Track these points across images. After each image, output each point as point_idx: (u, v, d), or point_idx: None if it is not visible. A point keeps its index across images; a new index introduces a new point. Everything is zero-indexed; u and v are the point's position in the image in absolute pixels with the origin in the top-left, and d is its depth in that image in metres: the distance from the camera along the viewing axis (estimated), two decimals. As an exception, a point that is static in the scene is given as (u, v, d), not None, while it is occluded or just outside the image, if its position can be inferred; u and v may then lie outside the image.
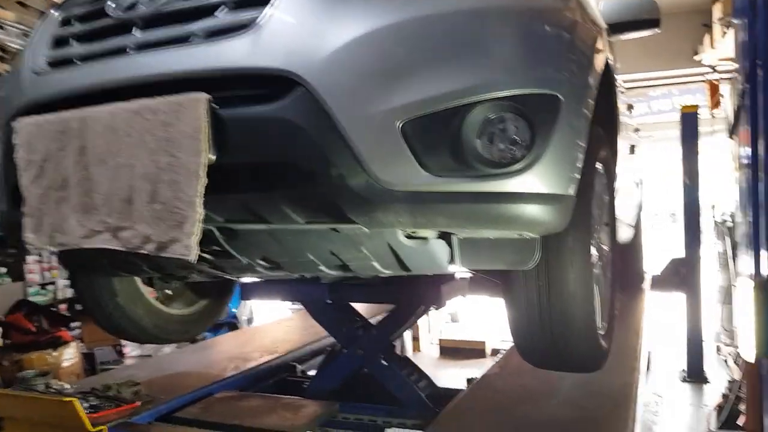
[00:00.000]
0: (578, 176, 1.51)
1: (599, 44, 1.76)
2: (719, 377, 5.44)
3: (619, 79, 2.85)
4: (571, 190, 1.49)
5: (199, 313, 2.69)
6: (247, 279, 2.67)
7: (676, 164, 5.44)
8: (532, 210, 1.40)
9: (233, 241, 1.69)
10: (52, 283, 5.83)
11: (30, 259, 5.57)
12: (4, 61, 4.86)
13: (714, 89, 6.33)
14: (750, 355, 1.70)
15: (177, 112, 1.35)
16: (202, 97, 1.32)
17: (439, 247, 1.59)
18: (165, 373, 2.75)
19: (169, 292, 2.59)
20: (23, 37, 4.82)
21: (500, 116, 1.34)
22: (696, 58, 7.28)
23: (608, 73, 1.94)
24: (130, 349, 5.19)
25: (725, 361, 5.65)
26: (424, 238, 1.57)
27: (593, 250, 1.72)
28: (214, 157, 1.33)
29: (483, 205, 1.38)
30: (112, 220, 1.45)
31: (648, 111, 9.72)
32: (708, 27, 6.72)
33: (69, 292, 5.68)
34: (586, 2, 1.74)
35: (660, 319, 6.59)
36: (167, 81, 1.40)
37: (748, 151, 1.77)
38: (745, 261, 1.85)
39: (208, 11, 1.43)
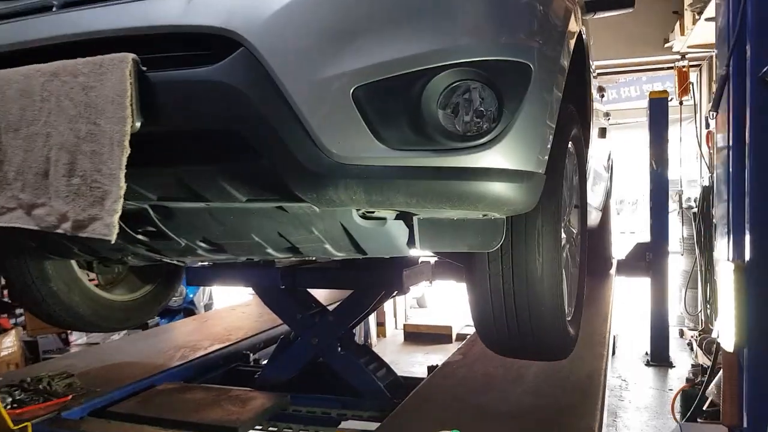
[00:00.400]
0: (548, 154, 1.41)
1: (574, 16, 1.66)
2: (682, 361, 5.49)
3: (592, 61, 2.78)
4: (541, 168, 1.40)
5: (144, 299, 2.55)
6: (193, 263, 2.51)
7: (642, 152, 5.43)
8: (499, 188, 1.29)
9: (169, 221, 1.56)
10: (-5, 267, 5.53)
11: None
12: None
13: (683, 76, 6.33)
14: (728, 344, 1.61)
15: (99, 74, 1.20)
16: (128, 58, 1.18)
17: (398, 228, 1.49)
18: (106, 363, 2.59)
19: (110, 277, 2.42)
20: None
21: (465, 84, 1.22)
22: (667, 45, 7.28)
23: (582, 48, 1.85)
24: (76, 337, 4.92)
25: (689, 345, 5.70)
26: (382, 219, 1.47)
27: (562, 233, 1.63)
28: (138, 125, 1.18)
29: (445, 182, 1.26)
30: (25, 195, 1.30)
31: (617, 98, 9.79)
32: (678, 14, 6.71)
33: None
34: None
35: (623, 302, 6.66)
36: (94, 41, 1.27)
37: (730, 135, 1.68)
38: (723, 244, 1.76)
39: None
